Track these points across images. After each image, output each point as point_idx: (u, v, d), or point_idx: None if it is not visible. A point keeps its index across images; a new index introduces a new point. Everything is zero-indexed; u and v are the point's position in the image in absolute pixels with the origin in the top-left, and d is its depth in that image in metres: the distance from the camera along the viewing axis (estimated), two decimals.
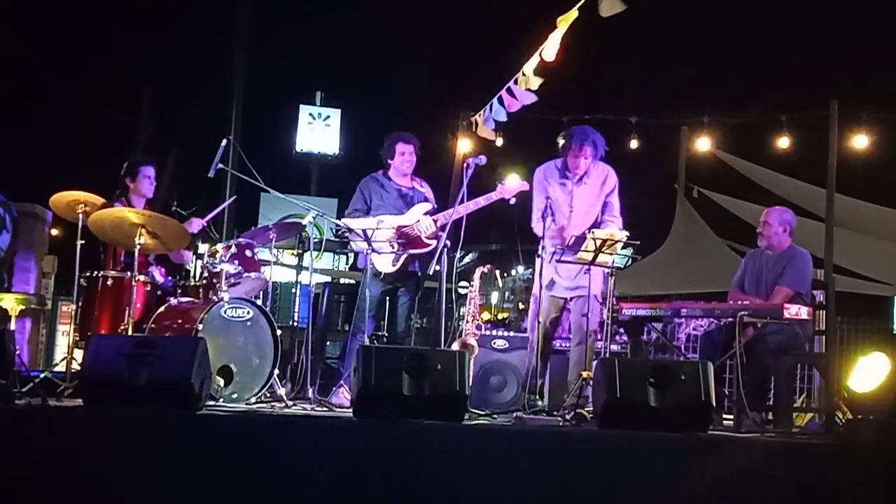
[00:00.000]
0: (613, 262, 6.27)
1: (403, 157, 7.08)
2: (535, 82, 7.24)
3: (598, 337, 6.39)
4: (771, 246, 6.75)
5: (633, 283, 6.97)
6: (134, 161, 7.01)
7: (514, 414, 6.08)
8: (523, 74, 7.30)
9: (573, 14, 6.75)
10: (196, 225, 6.89)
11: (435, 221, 6.87)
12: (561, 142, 6.63)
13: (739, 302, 6.38)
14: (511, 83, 7.48)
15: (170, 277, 6.66)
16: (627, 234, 6.34)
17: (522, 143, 10.60)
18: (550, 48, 6.96)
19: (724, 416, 6.53)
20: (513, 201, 6.88)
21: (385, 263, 6.85)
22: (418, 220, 6.85)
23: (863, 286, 10.59)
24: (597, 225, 6.51)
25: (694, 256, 11.04)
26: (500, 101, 7.72)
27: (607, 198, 6.60)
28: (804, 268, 6.65)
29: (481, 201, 6.81)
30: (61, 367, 6.30)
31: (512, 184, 6.86)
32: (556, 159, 6.71)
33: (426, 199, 7.08)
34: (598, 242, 6.09)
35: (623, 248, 6.44)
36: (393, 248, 6.78)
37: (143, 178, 6.81)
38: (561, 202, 6.56)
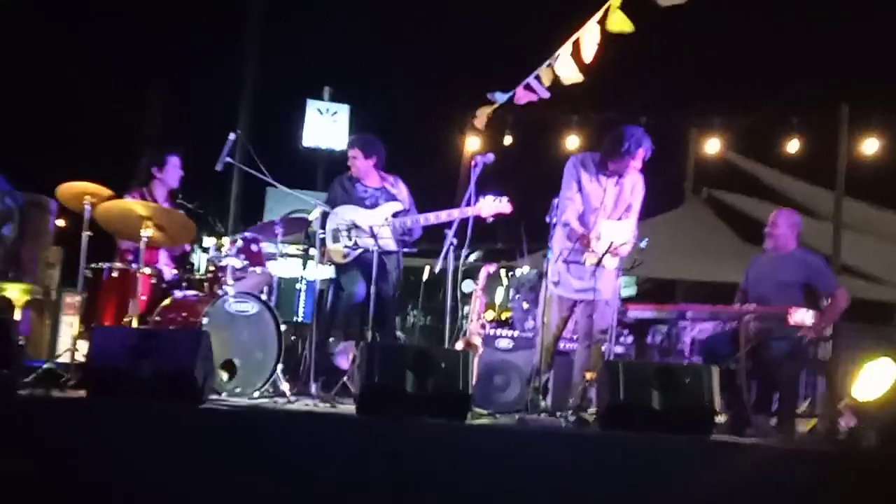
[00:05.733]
0: (620, 273, 6.27)
1: (351, 161, 7.26)
2: (570, 79, 7.18)
3: (606, 339, 6.35)
4: (777, 247, 6.75)
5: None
6: (161, 149, 6.98)
7: (517, 414, 6.06)
8: (550, 69, 7.26)
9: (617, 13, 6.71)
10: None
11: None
12: (609, 140, 6.49)
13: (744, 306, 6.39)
14: (532, 79, 7.44)
15: (175, 272, 6.66)
16: (635, 232, 6.31)
17: (530, 142, 10.60)
18: (588, 48, 6.91)
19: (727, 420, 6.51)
20: (489, 220, 6.89)
21: (337, 255, 6.98)
22: (385, 221, 6.93)
23: (870, 291, 10.57)
24: None
25: (703, 246, 11.07)
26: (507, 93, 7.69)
27: (631, 201, 6.56)
28: (831, 268, 6.72)
29: (454, 213, 6.77)
30: (65, 359, 6.30)
31: (490, 205, 6.84)
32: (593, 153, 6.64)
33: (395, 199, 7.11)
34: (605, 245, 6.08)
35: (630, 266, 6.42)
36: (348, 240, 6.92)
37: (172, 167, 6.83)
38: (592, 196, 6.49)
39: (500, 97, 7.22)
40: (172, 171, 6.86)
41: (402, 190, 7.24)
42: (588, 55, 6.84)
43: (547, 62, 7.22)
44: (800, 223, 6.83)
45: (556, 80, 7.32)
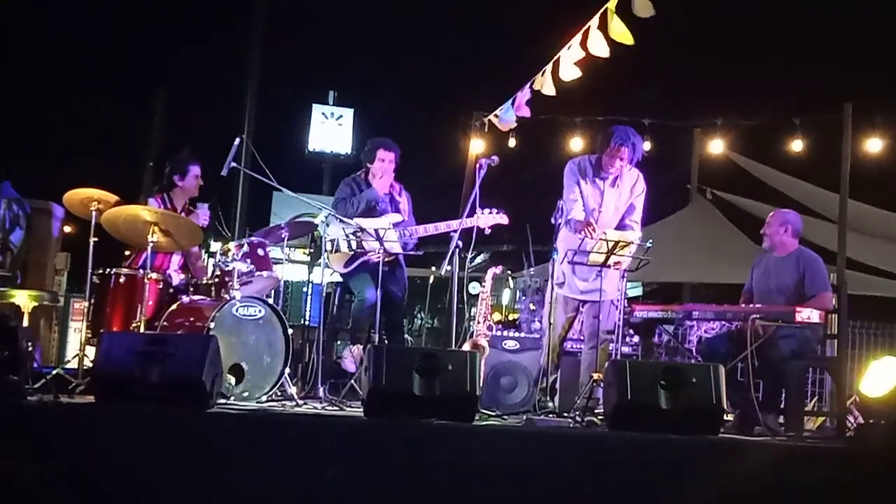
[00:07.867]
0: (625, 273, 6.28)
1: (383, 164, 7.19)
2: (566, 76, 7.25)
3: (612, 339, 6.37)
4: (774, 246, 6.72)
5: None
6: (182, 159, 7.01)
7: (525, 415, 6.07)
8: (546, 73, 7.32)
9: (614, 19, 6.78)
10: (203, 216, 6.91)
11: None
12: (599, 139, 6.56)
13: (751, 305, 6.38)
14: (528, 86, 7.50)
15: (182, 277, 6.68)
16: (640, 235, 6.33)
17: (535, 144, 10.60)
18: (599, 48, 6.98)
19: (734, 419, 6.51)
20: (487, 231, 6.93)
21: (337, 263, 6.99)
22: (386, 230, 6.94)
23: (876, 286, 10.55)
24: (619, 227, 6.47)
25: (709, 247, 11.07)
26: (513, 102, 7.74)
27: (633, 201, 6.57)
28: (824, 270, 6.65)
29: (453, 225, 6.87)
30: (73, 364, 6.31)
31: (486, 217, 6.90)
32: (590, 155, 6.66)
33: (398, 210, 7.13)
34: (610, 244, 6.09)
35: (635, 267, 6.41)
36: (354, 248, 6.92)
37: (192, 176, 6.88)
38: (590, 200, 6.51)
39: (506, 116, 7.31)
40: (192, 180, 6.90)
41: (404, 200, 7.26)
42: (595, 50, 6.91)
43: (542, 72, 7.29)
44: (794, 222, 6.75)
45: (558, 83, 7.39)
